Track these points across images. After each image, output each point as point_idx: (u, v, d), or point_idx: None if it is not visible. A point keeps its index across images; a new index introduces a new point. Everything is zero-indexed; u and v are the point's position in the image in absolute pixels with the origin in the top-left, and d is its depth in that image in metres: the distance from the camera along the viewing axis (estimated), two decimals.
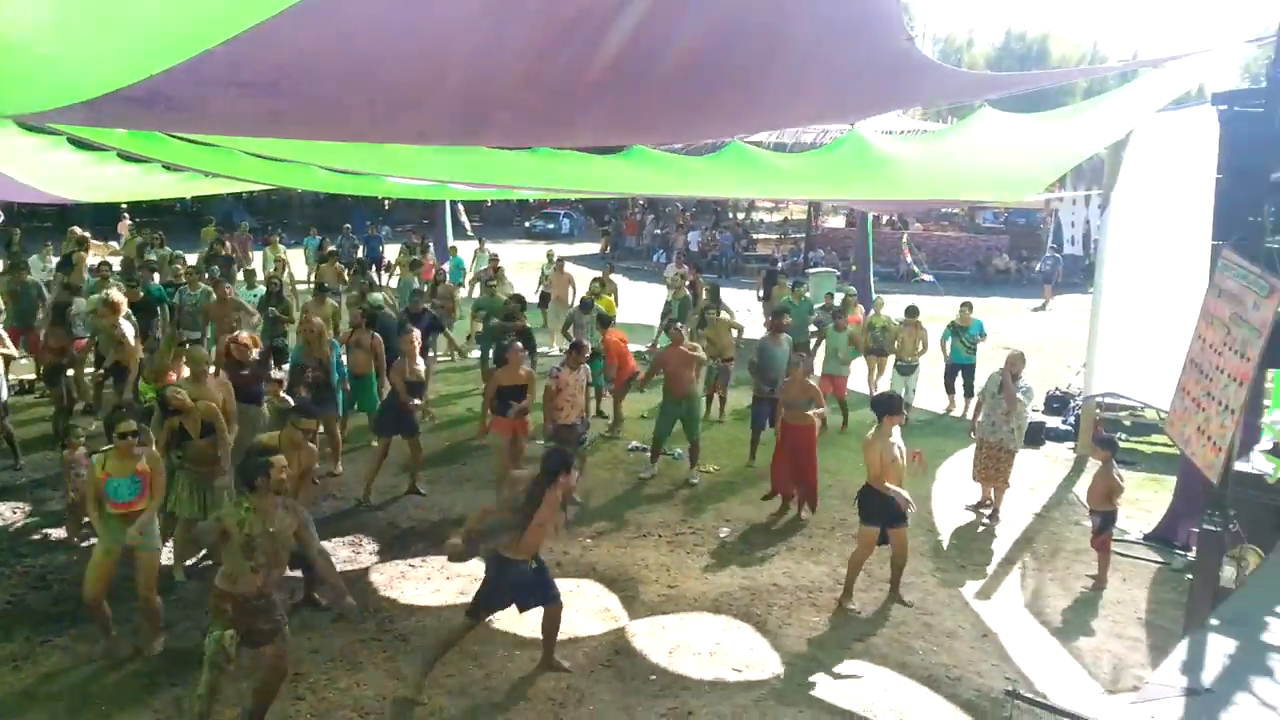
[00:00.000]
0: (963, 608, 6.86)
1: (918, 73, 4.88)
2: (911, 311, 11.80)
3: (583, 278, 15.60)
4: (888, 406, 6.78)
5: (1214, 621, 3.66)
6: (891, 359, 12.05)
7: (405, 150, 7.35)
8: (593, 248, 32.74)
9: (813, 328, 12.90)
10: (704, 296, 13.42)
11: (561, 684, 5.58)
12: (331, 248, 18.06)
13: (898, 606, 6.77)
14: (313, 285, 13.78)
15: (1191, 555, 7.15)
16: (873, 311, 12.66)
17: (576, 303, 12.67)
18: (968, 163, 8.05)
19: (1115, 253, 9.64)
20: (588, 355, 8.57)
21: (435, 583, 6.91)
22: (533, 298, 16.68)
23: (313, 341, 8.74)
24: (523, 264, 22.86)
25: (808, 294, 14.28)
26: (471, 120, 4.99)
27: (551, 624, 5.65)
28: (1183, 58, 6.12)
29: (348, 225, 23.02)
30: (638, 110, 5.04)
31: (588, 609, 6.58)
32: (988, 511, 8.71)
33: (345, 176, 9.84)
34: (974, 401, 11.55)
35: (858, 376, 12.07)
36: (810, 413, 8.29)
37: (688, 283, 14.80)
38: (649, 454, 9.61)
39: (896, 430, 6.70)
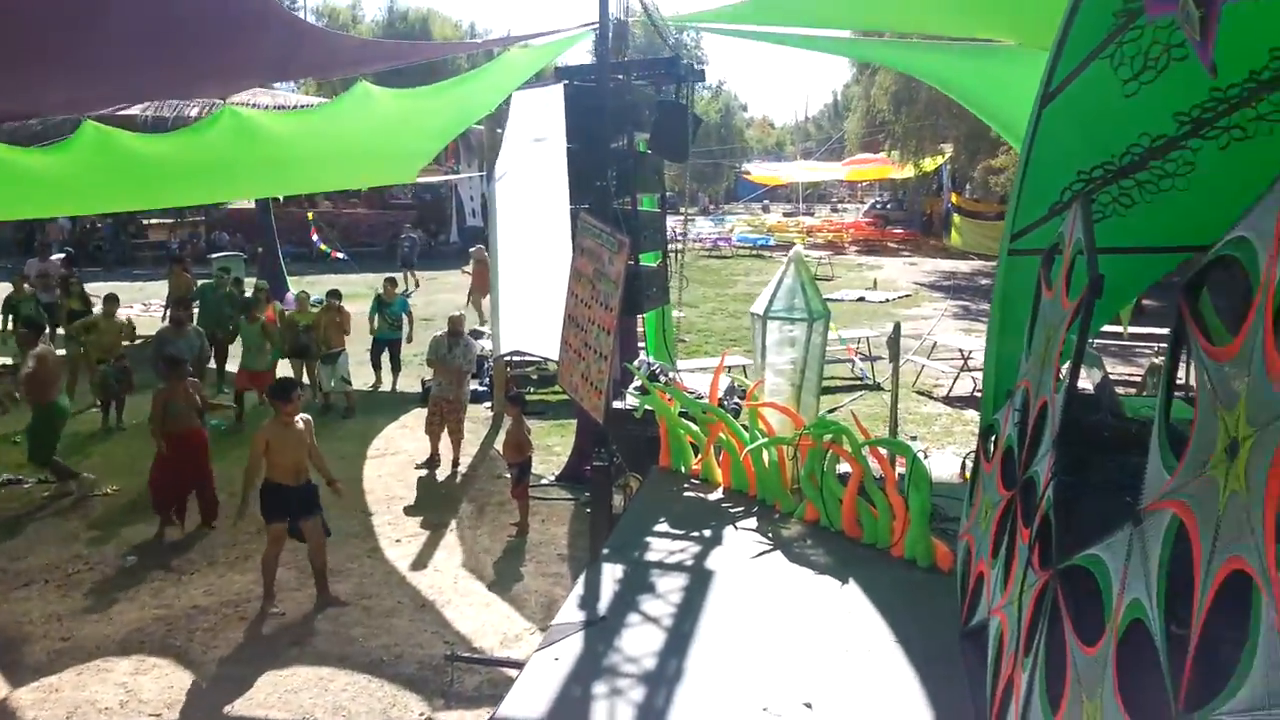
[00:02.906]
0: (400, 583, 6.84)
1: (304, 40, 4.55)
2: (333, 294, 11.45)
3: None
4: (278, 393, 6.41)
5: (605, 551, 4.03)
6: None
7: None
8: None
9: None
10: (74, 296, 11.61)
11: None
12: None
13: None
14: None
15: None
16: (295, 307, 11.90)
17: None
18: (354, 137, 7.93)
19: (505, 221, 10.30)
20: None
21: None
22: None
23: None
24: None
25: (234, 283, 13.00)
26: None
27: None
28: (538, 37, 6.68)
29: None
30: None
31: None
32: (440, 469, 9.21)
33: None
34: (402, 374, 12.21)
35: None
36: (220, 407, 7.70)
37: (57, 278, 12.71)
38: (52, 480, 8.41)
39: (301, 419, 6.37)
